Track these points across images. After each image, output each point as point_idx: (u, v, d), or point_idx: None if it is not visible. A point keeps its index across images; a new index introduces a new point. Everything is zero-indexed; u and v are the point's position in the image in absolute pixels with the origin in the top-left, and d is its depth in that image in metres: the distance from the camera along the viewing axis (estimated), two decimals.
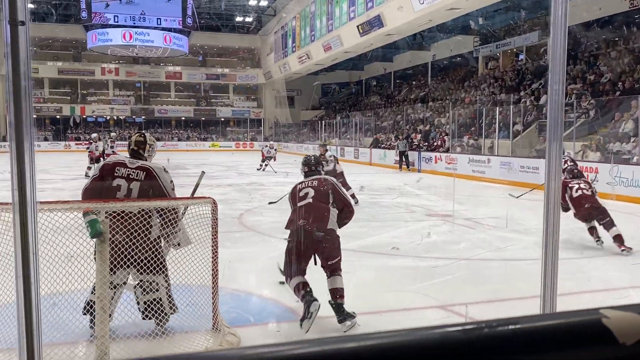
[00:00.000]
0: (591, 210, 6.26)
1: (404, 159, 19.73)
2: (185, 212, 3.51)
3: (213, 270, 3.47)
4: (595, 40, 19.98)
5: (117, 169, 3.54)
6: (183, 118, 43.15)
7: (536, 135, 16.46)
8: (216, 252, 3.48)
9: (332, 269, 3.83)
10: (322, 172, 4.52)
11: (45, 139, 37.66)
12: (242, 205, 10.33)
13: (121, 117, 41.77)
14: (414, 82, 33.61)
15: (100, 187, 3.49)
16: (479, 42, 27.21)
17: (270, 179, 16.30)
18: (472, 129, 19.49)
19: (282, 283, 4.36)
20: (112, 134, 21.19)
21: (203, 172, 4.54)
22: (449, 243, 6.71)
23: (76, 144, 36.55)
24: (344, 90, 43.72)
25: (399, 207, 10.09)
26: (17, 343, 1.35)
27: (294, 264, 3.81)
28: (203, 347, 3.20)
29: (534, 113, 17.53)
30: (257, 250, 6.45)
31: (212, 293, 3.48)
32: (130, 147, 3.72)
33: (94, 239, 3.00)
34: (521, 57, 24.67)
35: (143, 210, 3.26)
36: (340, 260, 3.89)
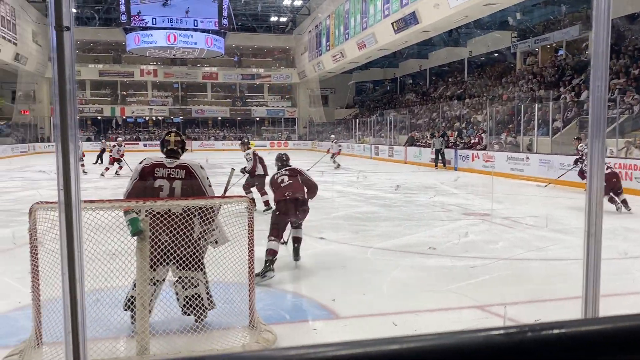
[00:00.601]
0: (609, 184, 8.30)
1: (440, 157, 19.47)
2: (219, 210, 3.55)
3: (249, 267, 3.49)
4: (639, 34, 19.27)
5: (157, 170, 3.59)
6: (219, 118, 43.75)
7: (577, 132, 16.00)
8: (252, 250, 3.50)
9: (298, 225, 5.58)
10: (290, 164, 6.04)
11: (88, 140, 38.81)
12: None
13: (160, 118, 42.75)
14: (449, 79, 33.12)
15: (142, 189, 3.54)
16: (516, 37, 26.58)
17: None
18: (510, 126, 19.08)
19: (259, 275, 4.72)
20: (119, 138, 21.53)
21: (233, 170, 4.64)
22: (486, 242, 6.60)
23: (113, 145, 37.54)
24: (379, 88, 43.49)
25: (435, 206, 9.98)
26: (64, 338, 1.40)
27: (277, 230, 5.17)
28: (240, 343, 3.21)
29: (575, 109, 17.03)
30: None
31: (249, 290, 3.51)
32: (169, 147, 3.76)
33: (135, 237, 3.05)
34: (561, 52, 23.99)
35: (186, 209, 3.32)
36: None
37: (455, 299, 4.39)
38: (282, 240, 5.21)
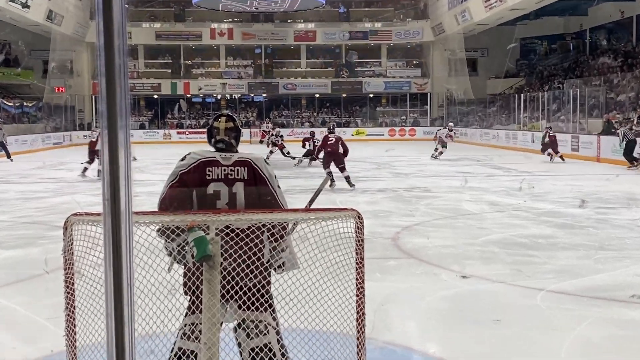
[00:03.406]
0: None
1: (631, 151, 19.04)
2: (294, 228, 3.65)
3: (358, 313, 3.41)
4: None
5: (209, 170, 3.69)
6: (317, 95, 44.76)
7: None
8: (362, 287, 3.47)
9: (343, 169, 14.34)
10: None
11: (142, 127, 41.05)
12: (399, 220, 10.50)
13: (235, 96, 44.51)
14: None
15: (187, 197, 3.66)
16: None
17: (440, 181, 16.30)
18: None
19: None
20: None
21: (329, 175, 4.62)
22: None
23: (178, 133, 39.50)
24: (556, 48, 41.95)
25: None
26: None
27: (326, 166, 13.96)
28: None
29: None
30: (420, 287, 6.54)
31: (357, 346, 3.46)
32: (218, 138, 3.87)
33: (200, 263, 3.17)
34: None
35: (255, 225, 3.40)
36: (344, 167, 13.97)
37: None
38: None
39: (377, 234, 8.91)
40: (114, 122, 1.41)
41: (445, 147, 23.28)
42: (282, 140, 24.54)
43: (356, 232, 3.43)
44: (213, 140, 3.86)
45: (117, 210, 1.43)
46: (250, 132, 35.91)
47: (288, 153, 23.68)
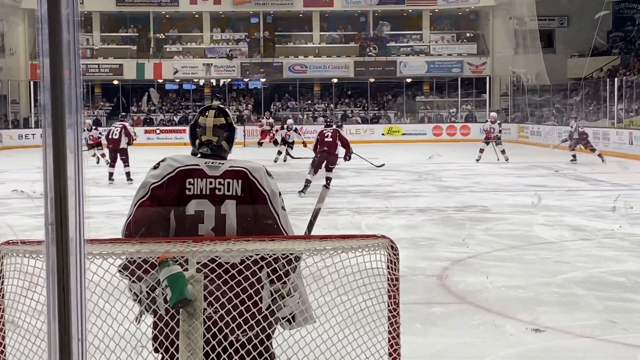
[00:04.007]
0: None
1: None
2: (299, 265, 3.63)
3: None
4: None
5: (190, 183, 3.71)
6: (334, 81, 44.43)
7: None
8: (397, 343, 3.45)
9: (330, 170, 16.64)
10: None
11: (97, 123, 40.92)
12: (447, 252, 10.46)
13: (225, 82, 44.53)
14: None
15: (160, 220, 3.67)
16: None
17: (504, 198, 16.23)
18: None
19: None
20: (87, 120, 23.23)
21: (326, 188, 4.75)
22: None
23: (146, 132, 39.45)
24: None
25: None
26: None
27: (316, 169, 16.43)
28: None
29: None
30: (476, 343, 6.50)
31: None
32: (204, 139, 3.90)
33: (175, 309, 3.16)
34: None
35: (251, 259, 3.41)
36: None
37: None
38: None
39: (417, 270, 8.90)
40: (60, 118, 1.39)
41: (489, 144, 24.75)
42: (296, 135, 25.84)
43: (389, 268, 3.41)
44: (197, 141, 3.88)
45: (64, 237, 1.41)
46: (245, 131, 35.95)
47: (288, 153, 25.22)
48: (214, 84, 44.83)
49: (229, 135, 3.91)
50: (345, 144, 16.47)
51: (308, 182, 15.92)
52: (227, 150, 3.90)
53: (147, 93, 43.73)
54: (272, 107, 43.01)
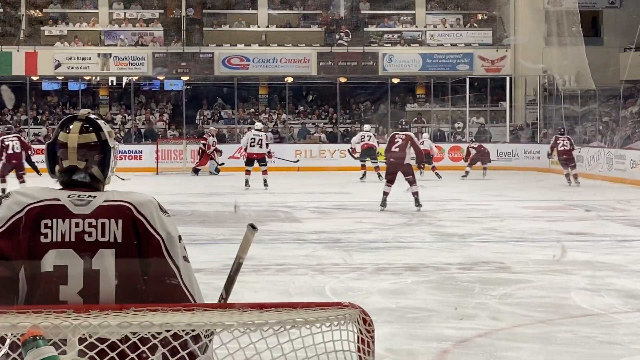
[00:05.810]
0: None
1: None
2: (211, 341, 3.12)
3: None
4: None
5: (47, 225, 3.26)
6: (289, 80, 37.46)
7: None
8: None
9: (410, 181, 18.81)
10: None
11: None
12: (447, 328, 9.21)
13: (130, 80, 37.70)
14: None
15: (5, 279, 3.23)
16: None
17: (528, 250, 14.53)
18: None
19: None
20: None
21: (252, 227, 3.98)
22: None
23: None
24: None
25: None
26: None
27: (389, 178, 19.97)
28: None
29: None
30: None
31: None
32: (66, 165, 3.39)
33: None
34: None
35: (137, 336, 2.92)
36: (413, 177, 19.36)
37: None
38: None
39: (403, 356, 8.01)
40: None
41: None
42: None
43: (360, 351, 3.05)
44: (57, 167, 3.43)
45: None
46: (158, 152, 31.98)
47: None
48: (114, 83, 39.47)
49: (103, 157, 3.41)
50: (419, 154, 21.78)
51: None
52: (100, 179, 3.41)
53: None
54: (197, 117, 37.79)
